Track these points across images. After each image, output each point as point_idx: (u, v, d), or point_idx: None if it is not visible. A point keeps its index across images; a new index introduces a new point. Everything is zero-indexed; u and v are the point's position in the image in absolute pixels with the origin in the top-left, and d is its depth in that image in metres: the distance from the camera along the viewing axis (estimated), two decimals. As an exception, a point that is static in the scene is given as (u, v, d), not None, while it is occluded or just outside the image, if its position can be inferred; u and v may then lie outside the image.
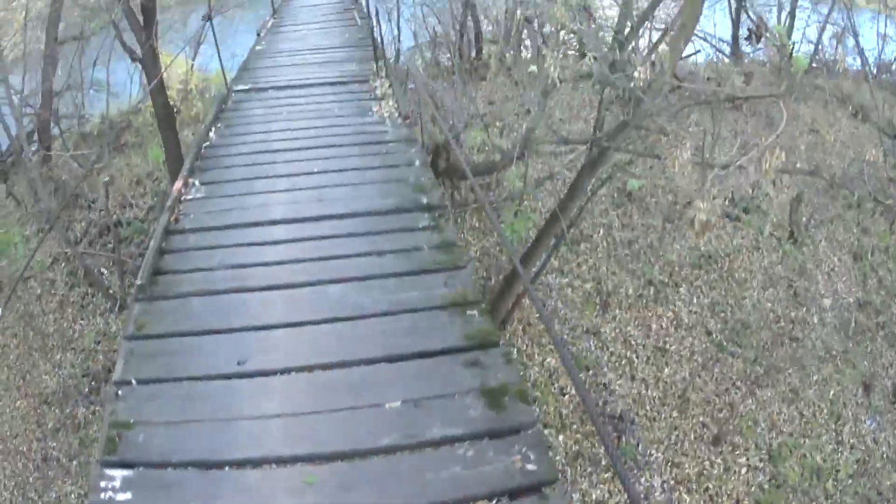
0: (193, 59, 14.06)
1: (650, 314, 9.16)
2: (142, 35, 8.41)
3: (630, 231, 10.08)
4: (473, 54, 13.72)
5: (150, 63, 8.68)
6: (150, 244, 5.08)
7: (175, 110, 11.63)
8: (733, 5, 14.69)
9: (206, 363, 3.81)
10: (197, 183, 6.31)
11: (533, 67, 6.92)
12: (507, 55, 13.77)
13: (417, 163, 6.42)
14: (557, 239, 7.78)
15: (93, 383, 8.70)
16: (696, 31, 11.51)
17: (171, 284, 4.64)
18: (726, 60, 14.77)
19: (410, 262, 4.67)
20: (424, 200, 5.57)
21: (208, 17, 8.74)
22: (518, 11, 12.83)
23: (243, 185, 6.25)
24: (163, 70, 8.83)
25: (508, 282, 7.75)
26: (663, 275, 9.64)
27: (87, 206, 10.78)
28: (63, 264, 10.19)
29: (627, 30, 7.14)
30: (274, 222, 5.50)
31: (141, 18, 8.46)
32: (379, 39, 9.51)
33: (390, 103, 8.02)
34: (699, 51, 13.73)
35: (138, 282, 4.57)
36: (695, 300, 9.51)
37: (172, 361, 3.86)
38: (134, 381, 3.68)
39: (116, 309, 9.27)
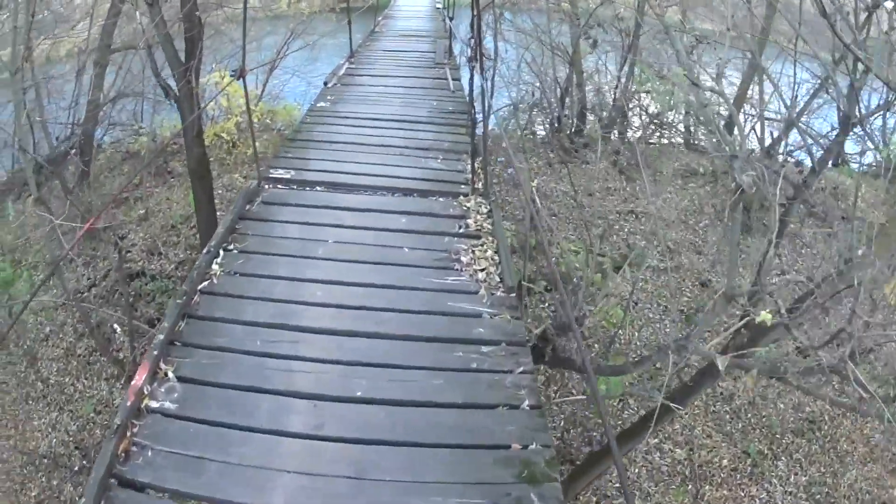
0: (264, 86, 12.72)
1: (743, 494, 7.58)
2: (178, 69, 7.21)
3: (731, 382, 8.47)
4: (572, 128, 12.16)
5: (185, 104, 7.40)
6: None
7: (231, 144, 10.43)
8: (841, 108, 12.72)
9: None
10: (171, 381, 3.68)
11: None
12: (613, 135, 12.22)
13: (525, 403, 3.67)
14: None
15: (84, 461, 7.55)
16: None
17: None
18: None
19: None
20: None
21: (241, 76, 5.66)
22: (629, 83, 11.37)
23: (236, 401, 3.59)
24: (200, 108, 7.60)
25: (595, 457, 6.42)
26: (762, 443, 8.03)
27: (114, 240, 9.54)
28: (75, 307, 9.02)
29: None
30: None
31: (183, 49, 7.29)
32: (474, 111, 7.21)
33: (489, 254, 5.10)
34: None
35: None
36: (792, 478, 7.92)
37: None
38: None
39: (123, 380, 8.04)
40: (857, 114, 9.62)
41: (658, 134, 12.27)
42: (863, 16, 10.85)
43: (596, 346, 8.22)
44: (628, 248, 9.52)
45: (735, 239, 5.22)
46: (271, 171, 6.51)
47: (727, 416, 8.16)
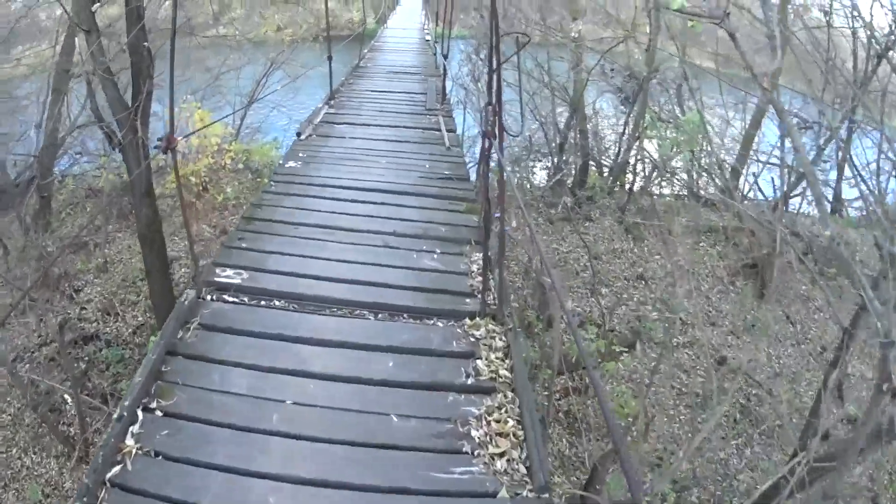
0: (241, 120, 11.61)
1: None
2: (121, 112, 5.98)
3: None
4: (574, 179, 11.32)
5: (131, 155, 6.15)
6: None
7: (202, 187, 9.45)
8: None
9: None
10: None
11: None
12: (616, 188, 11.41)
13: None
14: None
15: (29, 559, 6.49)
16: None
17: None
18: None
19: None
20: None
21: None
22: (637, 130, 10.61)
23: None
24: (147, 161, 6.32)
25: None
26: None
27: (69, 292, 8.49)
28: (27, 364, 8.00)
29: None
30: None
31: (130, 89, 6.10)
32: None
33: (509, 425, 3.61)
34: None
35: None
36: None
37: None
38: None
39: (73, 461, 7.03)
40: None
41: (663, 184, 11.54)
42: (873, 62, 10.43)
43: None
44: (638, 321, 8.73)
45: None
46: (217, 270, 4.95)
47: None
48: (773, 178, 11.07)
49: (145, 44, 5.96)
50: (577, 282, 9.14)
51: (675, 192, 11.58)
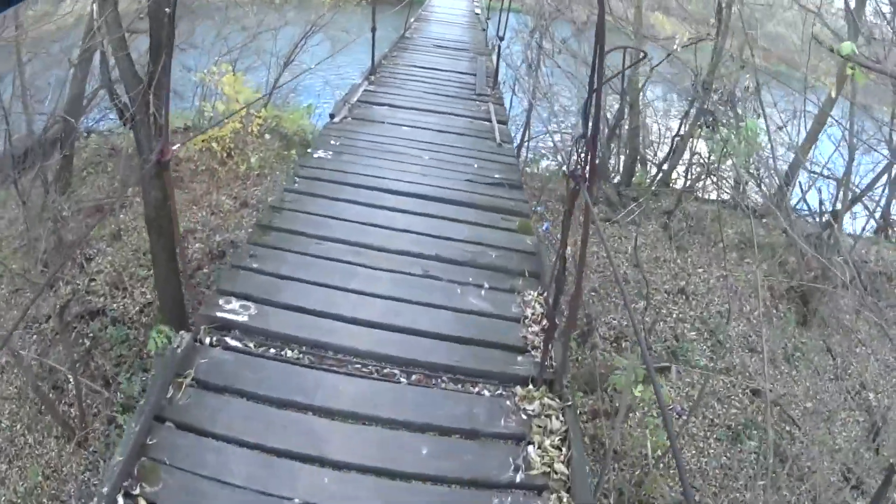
0: (276, 82, 10.99)
1: None
2: (135, 88, 5.33)
3: None
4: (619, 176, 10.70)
5: (142, 134, 5.44)
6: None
7: (226, 153, 9.01)
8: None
9: None
10: None
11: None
12: (662, 190, 10.78)
13: None
14: None
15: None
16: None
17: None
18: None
19: None
20: None
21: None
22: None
23: None
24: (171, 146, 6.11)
25: None
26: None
27: (80, 261, 8.15)
28: (35, 335, 7.75)
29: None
30: None
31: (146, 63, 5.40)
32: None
33: None
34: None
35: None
36: None
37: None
38: None
39: (73, 445, 6.74)
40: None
41: (710, 189, 10.91)
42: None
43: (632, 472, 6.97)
44: (675, 340, 8.27)
45: None
46: (221, 301, 4.14)
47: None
48: (819, 191, 10.52)
49: (166, 9, 5.32)
50: (616, 291, 8.65)
51: (722, 200, 10.95)
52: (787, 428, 7.77)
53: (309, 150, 7.05)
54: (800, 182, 10.70)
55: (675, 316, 8.56)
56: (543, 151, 11.37)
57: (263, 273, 4.50)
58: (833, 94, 8.39)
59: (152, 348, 6.86)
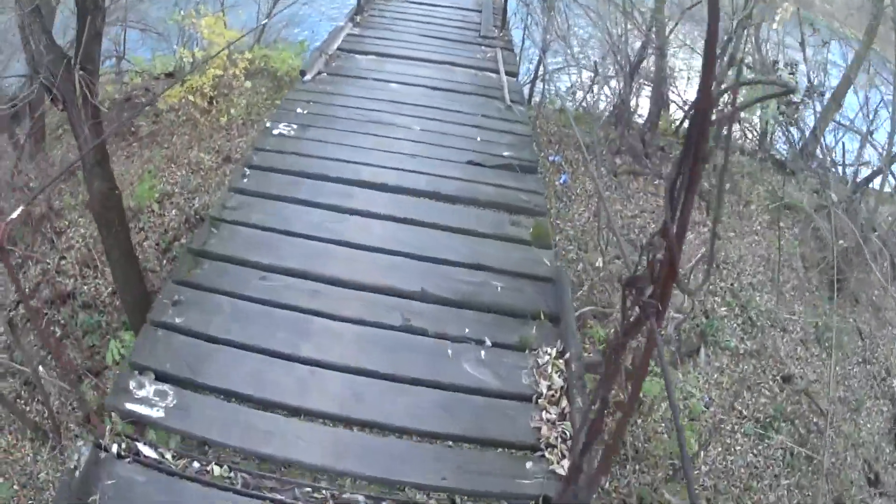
0: (268, 17, 9.58)
1: None
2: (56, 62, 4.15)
3: None
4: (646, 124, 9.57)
5: (73, 113, 4.30)
6: None
7: (209, 100, 7.89)
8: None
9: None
10: None
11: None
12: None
13: None
14: None
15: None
16: None
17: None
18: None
19: None
20: None
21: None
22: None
23: None
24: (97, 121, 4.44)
25: None
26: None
27: (50, 235, 7.18)
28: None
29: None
30: None
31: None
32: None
33: None
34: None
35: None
36: None
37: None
38: None
39: (48, 447, 6.09)
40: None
41: (741, 141, 9.95)
42: None
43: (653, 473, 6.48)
44: (705, 316, 7.62)
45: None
46: (131, 383, 3.12)
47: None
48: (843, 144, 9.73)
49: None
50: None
51: (749, 151, 10.01)
52: (815, 420, 7.31)
53: (267, 125, 5.70)
54: (823, 138, 9.82)
55: (705, 288, 7.86)
56: (561, 91, 10.13)
57: (188, 333, 3.41)
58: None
59: (110, 361, 6.07)
